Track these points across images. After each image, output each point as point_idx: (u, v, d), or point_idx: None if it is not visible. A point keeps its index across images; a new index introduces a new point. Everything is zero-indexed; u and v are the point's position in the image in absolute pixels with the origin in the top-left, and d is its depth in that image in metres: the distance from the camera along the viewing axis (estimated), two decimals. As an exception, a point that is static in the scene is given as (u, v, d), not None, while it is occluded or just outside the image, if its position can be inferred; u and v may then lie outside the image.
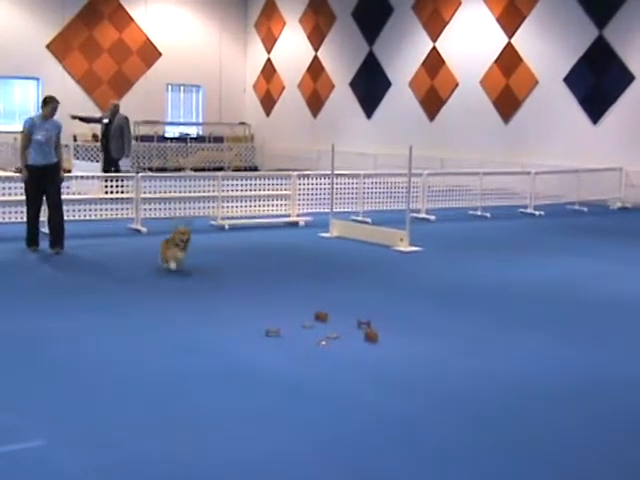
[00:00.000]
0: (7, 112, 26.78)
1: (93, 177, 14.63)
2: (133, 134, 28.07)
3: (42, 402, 5.39)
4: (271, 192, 14.85)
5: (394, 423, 5.14)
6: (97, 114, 17.81)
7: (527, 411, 5.45)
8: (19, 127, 11.93)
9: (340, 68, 27.31)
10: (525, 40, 21.61)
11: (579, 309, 8.58)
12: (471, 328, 7.62)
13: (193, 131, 30.91)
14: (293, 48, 29.08)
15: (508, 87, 22.05)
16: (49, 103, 11.31)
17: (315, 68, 28.27)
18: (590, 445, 4.93)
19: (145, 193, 13.75)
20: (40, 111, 11.47)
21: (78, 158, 23.68)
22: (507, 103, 22.13)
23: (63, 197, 11.69)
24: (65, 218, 11.69)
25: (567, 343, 7.19)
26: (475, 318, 8.04)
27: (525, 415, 5.38)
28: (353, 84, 26.88)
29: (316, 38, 28.15)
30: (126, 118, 17.56)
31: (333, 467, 4.47)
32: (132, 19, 28.89)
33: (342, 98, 27.29)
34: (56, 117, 11.49)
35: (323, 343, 6.86)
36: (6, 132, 24.44)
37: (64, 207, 11.58)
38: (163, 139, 28.94)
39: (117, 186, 13.81)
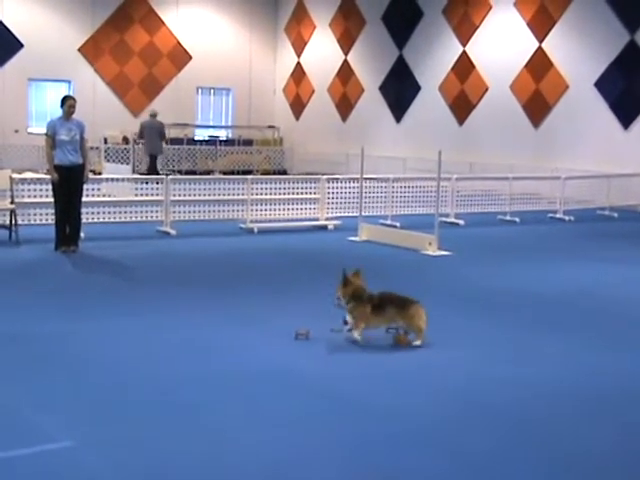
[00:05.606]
0: (39, 114, 27.03)
1: (123, 179, 14.73)
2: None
3: (70, 403, 5.42)
4: (300, 196, 14.88)
5: (428, 429, 5.12)
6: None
7: (568, 419, 5.37)
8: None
9: (370, 72, 27.31)
10: (556, 44, 21.49)
11: (614, 316, 8.46)
12: (503, 334, 7.56)
13: (222, 134, 31.05)
14: (323, 52, 29.13)
15: (538, 92, 21.93)
16: (65, 102, 11.44)
17: (345, 72, 28.29)
18: None
19: (174, 196, 13.82)
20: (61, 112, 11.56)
21: (108, 160, 23.86)
22: (537, 108, 22.02)
23: (93, 199, 11.76)
24: (96, 220, 11.73)
25: (603, 350, 7.09)
26: (507, 324, 7.98)
27: (567, 424, 5.29)
28: (383, 88, 26.87)
29: (346, 42, 28.18)
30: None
31: (370, 473, 4.46)
32: (163, 23, 29.07)
33: (371, 102, 27.29)
34: (79, 118, 11.56)
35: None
36: (37, 134, 24.66)
37: (95, 209, 11.59)
38: (193, 142, 29.11)
39: (147, 189, 13.92)
